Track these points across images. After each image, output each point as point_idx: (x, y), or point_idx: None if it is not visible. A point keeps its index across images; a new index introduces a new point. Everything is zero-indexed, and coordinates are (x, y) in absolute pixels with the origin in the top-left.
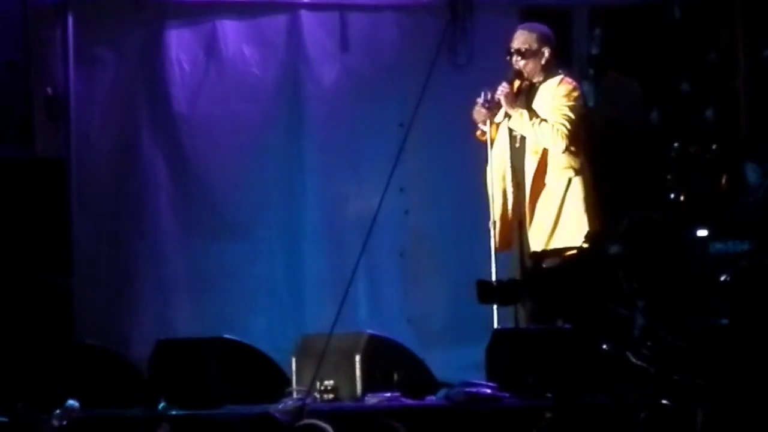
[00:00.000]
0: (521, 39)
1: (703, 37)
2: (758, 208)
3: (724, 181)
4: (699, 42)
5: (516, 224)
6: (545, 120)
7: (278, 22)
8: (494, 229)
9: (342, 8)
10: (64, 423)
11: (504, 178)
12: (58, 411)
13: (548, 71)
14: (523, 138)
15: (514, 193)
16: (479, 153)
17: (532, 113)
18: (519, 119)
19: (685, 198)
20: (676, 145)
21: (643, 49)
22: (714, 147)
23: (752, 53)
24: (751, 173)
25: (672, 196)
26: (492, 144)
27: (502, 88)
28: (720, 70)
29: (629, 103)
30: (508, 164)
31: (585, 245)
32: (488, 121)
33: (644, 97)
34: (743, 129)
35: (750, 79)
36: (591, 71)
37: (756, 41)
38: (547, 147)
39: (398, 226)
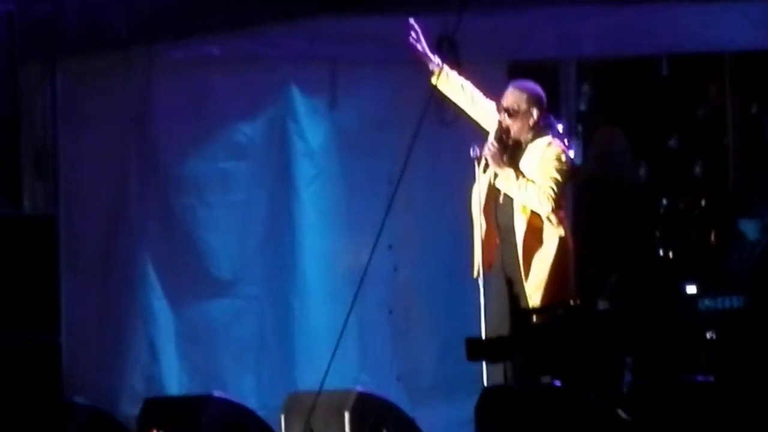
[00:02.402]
0: (511, 98)
1: (691, 93)
2: (755, 263)
3: (713, 236)
4: (687, 97)
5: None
6: (532, 181)
7: (267, 78)
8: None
9: (331, 63)
10: None
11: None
12: None
13: (537, 131)
14: (508, 199)
15: (502, 246)
16: (467, 210)
17: (519, 173)
18: (506, 179)
19: (674, 254)
20: (664, 201)
21: (632, 105)
22: (703, 203)
23: (741, 109)
24: (750, 229)
25: (661, 252)
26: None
27: (490, 148)
28: (708, 126)
29: (621, 158)
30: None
31: (574, 302)
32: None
33: (633, 153)
34: (732, 185)
35: (739, 135)
36: (579, 127)
37: (745, 97)
38: (532, 208)
39: (387, 283)
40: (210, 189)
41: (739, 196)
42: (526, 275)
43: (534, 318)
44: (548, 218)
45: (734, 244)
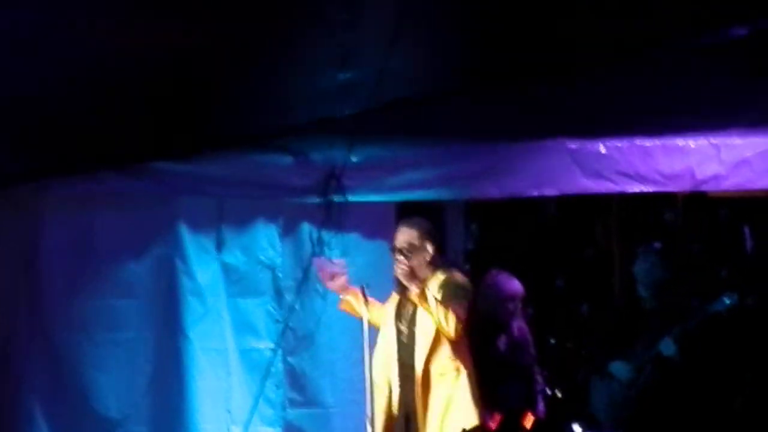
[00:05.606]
0: (402, 237)
1: (578, 233)
2: (632, 404)
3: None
4: (574, 238)
5: (402, 419)
6: (442, 304)
7: (155, 215)
8: (371, 425)
9: (218, 202)
10: None
11: (389, 372)
12: None
13: (435, 266)
14: (411, 332)
15: (401, 386)
16: (358, 346)
17: (430, 294)
18: (419, 293)
19: (561, 393)
20: (552, 340)
21: (519, 244)
22: (589, 343)
23: (627, 250)
24: (622, 371)
25: (548, 391)
26: (370, 325)
27: (402, 266)
28: (595, 266)
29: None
30: (395, 358)
31: None
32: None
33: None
34: (618, 324)
35: (625, 276)
36: (467, 267)
37: (631, 238)
38: (441, 330)
39: (278, 423)
40: (97, 326)
41: (614, 337)
42: (424, 409)
43: None
44: (451, 345)
45: (606, 385)
